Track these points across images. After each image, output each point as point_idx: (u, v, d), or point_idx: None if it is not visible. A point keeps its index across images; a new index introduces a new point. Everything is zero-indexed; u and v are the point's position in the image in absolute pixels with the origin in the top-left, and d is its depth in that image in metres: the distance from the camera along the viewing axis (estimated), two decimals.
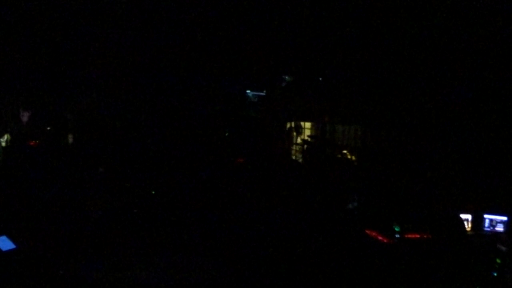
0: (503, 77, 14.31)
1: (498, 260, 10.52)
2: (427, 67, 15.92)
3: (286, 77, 20.76)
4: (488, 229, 12.06)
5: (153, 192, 15.18)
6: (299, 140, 18.99)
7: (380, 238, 11.51)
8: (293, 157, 18.40)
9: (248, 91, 20.65)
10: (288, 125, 20.48)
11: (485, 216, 12.39)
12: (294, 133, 19.87)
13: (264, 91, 20.87)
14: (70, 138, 17.58)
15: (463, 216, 11.31)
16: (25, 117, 18.69)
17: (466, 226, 11.09)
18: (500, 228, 12.01)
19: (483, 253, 11.37)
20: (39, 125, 18.46)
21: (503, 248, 10.62)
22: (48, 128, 17.81)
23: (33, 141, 18.11)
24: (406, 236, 11.34)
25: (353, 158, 16.86)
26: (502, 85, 14.51)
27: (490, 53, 14.46)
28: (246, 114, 18.57)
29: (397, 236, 11.36)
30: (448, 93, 15.31)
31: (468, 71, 14.93)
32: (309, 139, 16.01)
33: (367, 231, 12.12)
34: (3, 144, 17.80)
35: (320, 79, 19.66)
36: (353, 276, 10.92)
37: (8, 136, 17.94)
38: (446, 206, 11.47)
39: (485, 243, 11.18)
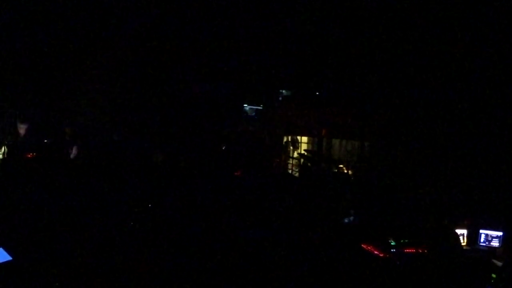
0: (498, 90, 14.41)
1: (493, 275, 10.55)
2: (422, 83, 16.01)
3: (284, 91, 20.84)
4: (484, 244, 12.09)
5: (150, 205, 15.20)
6: (295, 154, 19.02)
7: (376, 252, 11.53)
8: (290, 171, 18.43)
9: (245, 105, 20.72)
10: (285, 139, 20.53)
11: (481, 231, 12.43)
12: (291, 147, 19.90)
13: (262, 105, 20.93)
14: (74, 150, 17.58)
15: (458, 231, 11.34)
16: (22, 129, 18.68)
17: (462, 241, 11.12)
18: (495, 243, 12.04)
19: (478, 268, 11.40)
20: (37, 137, 18.48)
21: (499, 263, 10.65)
22: (46, 141, 17.83)
23: (30, 154, 18.12)
24: (401, 250, 11.38)
25: (350, 172, 16.90)
26: (496, 98, 14.60)
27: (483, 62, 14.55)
28: (244, 128, 18.62)
29: (393, 250, 11.39)
30: (444, 108, 15.39)
31: (461, 87, 15.02)
32: (305, 153, 16.05)
33: (363, 245, 12.15)
34: (0, 156, 17.81)
35: (318, 93, 19.74)
36: None
37: (5, 148, 17.95)
38: (441, 220, 11.49)
39: (481, 258, 11.20)
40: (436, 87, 15.48)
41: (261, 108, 20.97)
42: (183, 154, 17.28)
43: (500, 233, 12.18)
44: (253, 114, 21.41)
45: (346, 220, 13.98)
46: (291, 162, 19.30)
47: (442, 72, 15.62)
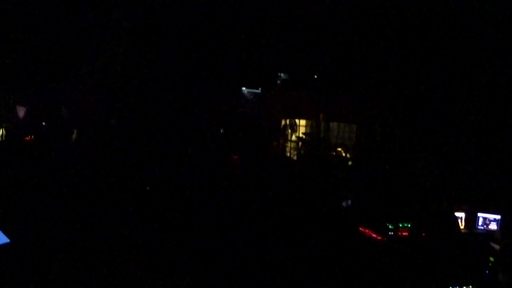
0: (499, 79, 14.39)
1: (491, 259, 10.58)
2: (421, 65, 15.97)
3: (282, 75, 20.78)
4: (482, 228, 12.11)
5: (148, 188, 15.21)
6: (293, 138, 19.01)
7: (373, 235, 11.55)
8: (288, 154, 18.42)
9: (243, 88, 20.66)
10: (283, 123, 20.50)
11: (479, 214, 12.44)
12: (289, 131, 19.88)
13: (260, 89, 20.87)
14: (74, 135, 17.59)
15: (457, 214, 11.35)
16: (20, 112, 18.69)
17: (460, 225, 11.13)
18: (493, 226, 12.06)
19: (476, 251, 11.43)
20: (35, 120, 18.48)
21: (497, 247, 10.67)
22: (44, 123, 17.82)
23: (28, 137, 18.14)
24: (399, 233, 11.40)
25: (348, 156, 16.88)
26: (498, 87, 14.57)
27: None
28: (241, 111, 18.59)
29: (390, 233, 11.41)
30: (443, 91, 15.36)
31: (459, 69, 14.98)
32: (303, 137, 16.01)
33: (360, 228, 12.17)
34: None
35: (316, 76, 19.68)
36: (348, 272, 10.98)
37: (3, 131, 17.95)
38: (440, 204, 11.50)
39: (479, 241, 11.23)
40: (434, 70, 15.43)
41: (259, 91, 20.91)
42: (181, 138, 17.26)
43: (498, 217, 12.19)
44: (251, 97, 21.36)
45: (343, 204, 14.00)
46: (289, 145, 19.28)
47: (439, 54, 15.57)
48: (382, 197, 13.22)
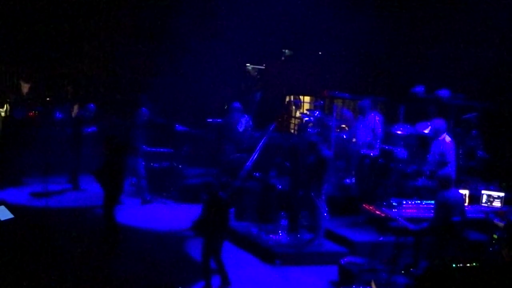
0: None
1: (495, 236, 10.57)
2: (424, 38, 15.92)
3: (286, 51, 20.69)
4: (486, 205, 12.09)
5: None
6: (298, 114, 18.95)
7: (377, 212, 11.55)
8: (292, 131, 18.36)
9: (248, 65, 20.60)
10: (287, 99, 20.45)
11: (483, 191, 12.42)
12: (293, 107, 19.82)
13: (264, 65, 20.81)
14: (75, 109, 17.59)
15: (461, 191, 11.31)
16: (25, 88, 18.69)
17: (464, 202, 11.10)
18: (497, 203, 12.04)
19: (479, 228, 11.43)
20: (39, 95, 18.50)
21: (501, 224, 10.65)
22: (48, 99, 17.83)
23: (32, 112, 18.16)
24: (403, 211, 11.39)
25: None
26: None
27: None
28: (246, 87, 18.54)
29: (394, 210, 11.40)
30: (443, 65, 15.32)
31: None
32: (308, 113, 15.94)
33: (364, 205, 12.17)
34: (2, 114, 17.82)
35: (320, 53, 19.61)
36: None
37: (8, 106, 17.96)
38: (444, 182, 11.45)
39: (483, 218, 11.22)
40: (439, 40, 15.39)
41: (263, 67, 20.85)
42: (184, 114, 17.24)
43: (502, 194, 12.18)
44: (256, 73, 21.32)
45: (347, 181, 13.98)
46: (293, 121, 19.23)
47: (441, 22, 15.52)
48: (385, 174, 13.21)
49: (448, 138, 12.44)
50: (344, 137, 14.45)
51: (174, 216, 13.99)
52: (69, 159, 15.68)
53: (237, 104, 15.50)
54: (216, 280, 9.56)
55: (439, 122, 12.68)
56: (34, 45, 18.52)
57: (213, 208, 9.56)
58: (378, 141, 13.45)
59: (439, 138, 12.52)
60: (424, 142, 13.23)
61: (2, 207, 11.10)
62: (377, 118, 13.62)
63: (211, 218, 9.57)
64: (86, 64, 19.28)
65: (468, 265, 8.48)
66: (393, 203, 11.82)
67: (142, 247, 11.72)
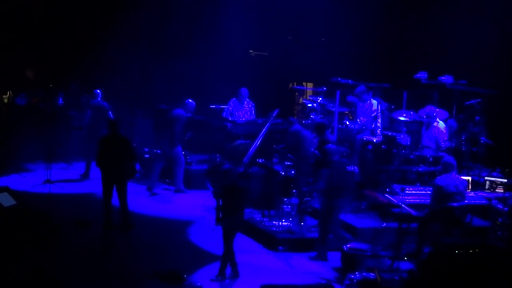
0: None
1: (497, 222, 10.60)
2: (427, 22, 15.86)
3: (289, 37, 20.62)
4: (489, 191, 12.09)
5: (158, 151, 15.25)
6: (301, 101, 18.91)
7: (380, 198, 11.54)
8: (295, 117, 18.31)
9: (250, 51, 20.54)
10: (290, 85, 20.39)
11: (486, 178, 12.43)
12: (296, 94, 19.78)
13: (267, 51, 20.74)
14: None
15: (463, 178, 11.32)
16: (29, 74, 18.68)
17: (467, 188, 11.10)
18: (500, 189, 12.04)
19: (482, 214, 11.45)
20: (43, 82, 18.48)
21: (504, 209, 10.68)
22: (51, 86, 17.80)
23: (35, 98, 18.16)
24: (405, 198, 11.39)
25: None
26: None
27: None
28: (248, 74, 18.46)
29: (397, 196, 11.39)
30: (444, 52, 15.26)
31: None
32: (311, 99, 15.91)
33: (366, 191, 12.16)
34: (5, 100, 17.84)
35: (323, 39, 19.53)
36: None
37: (10, 92, 17.96)
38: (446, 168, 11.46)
39: (485, 204, 11.23)
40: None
41: (266, 54, 20.78)
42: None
43: (505, 180, 12.17)
44: (258, 60, 21.23)
45: (350, 168, 13.97)
46: (296, 108, 19.20)
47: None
48: (388, 160, 13.22)
49: (442, 124, 12.73)
50: (347, 123, 14.45)
51: (179, 203, 14.07)
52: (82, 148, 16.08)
53: (244, 90, 15.91)
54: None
55: (431, 109, 13.12)
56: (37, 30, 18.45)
57: (230, 197, 9.73)
58: (377, 125, 13.63)
59: (433, 125, 13.04)
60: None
61: (5, 193, 11.15)
62: (373, 102, 13.95)
63: (229, 206, 9.74)
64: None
65: (471, 251, 8.51)
66: (396, 189, 11.86)
67: (148, 234, 11.81)
